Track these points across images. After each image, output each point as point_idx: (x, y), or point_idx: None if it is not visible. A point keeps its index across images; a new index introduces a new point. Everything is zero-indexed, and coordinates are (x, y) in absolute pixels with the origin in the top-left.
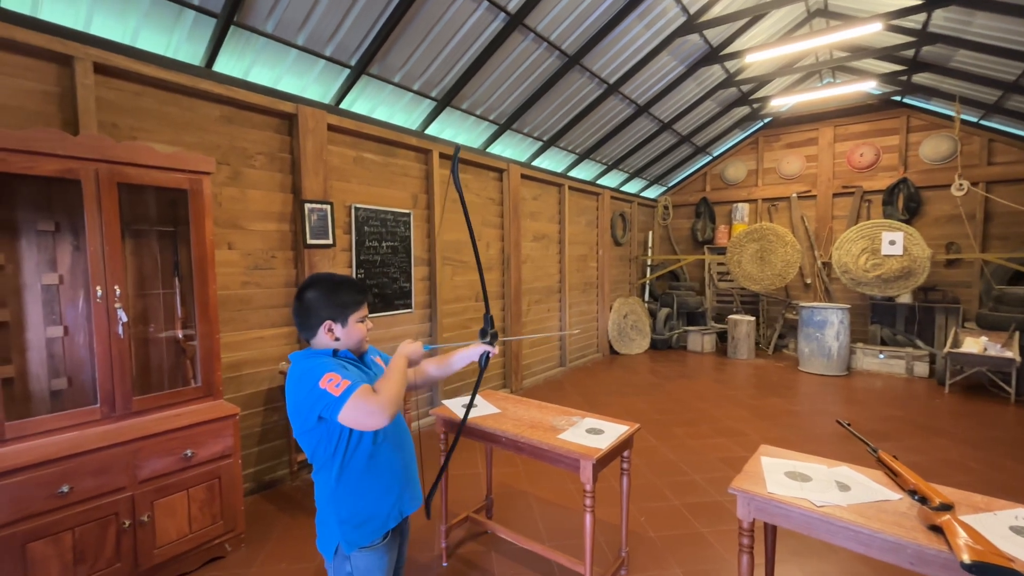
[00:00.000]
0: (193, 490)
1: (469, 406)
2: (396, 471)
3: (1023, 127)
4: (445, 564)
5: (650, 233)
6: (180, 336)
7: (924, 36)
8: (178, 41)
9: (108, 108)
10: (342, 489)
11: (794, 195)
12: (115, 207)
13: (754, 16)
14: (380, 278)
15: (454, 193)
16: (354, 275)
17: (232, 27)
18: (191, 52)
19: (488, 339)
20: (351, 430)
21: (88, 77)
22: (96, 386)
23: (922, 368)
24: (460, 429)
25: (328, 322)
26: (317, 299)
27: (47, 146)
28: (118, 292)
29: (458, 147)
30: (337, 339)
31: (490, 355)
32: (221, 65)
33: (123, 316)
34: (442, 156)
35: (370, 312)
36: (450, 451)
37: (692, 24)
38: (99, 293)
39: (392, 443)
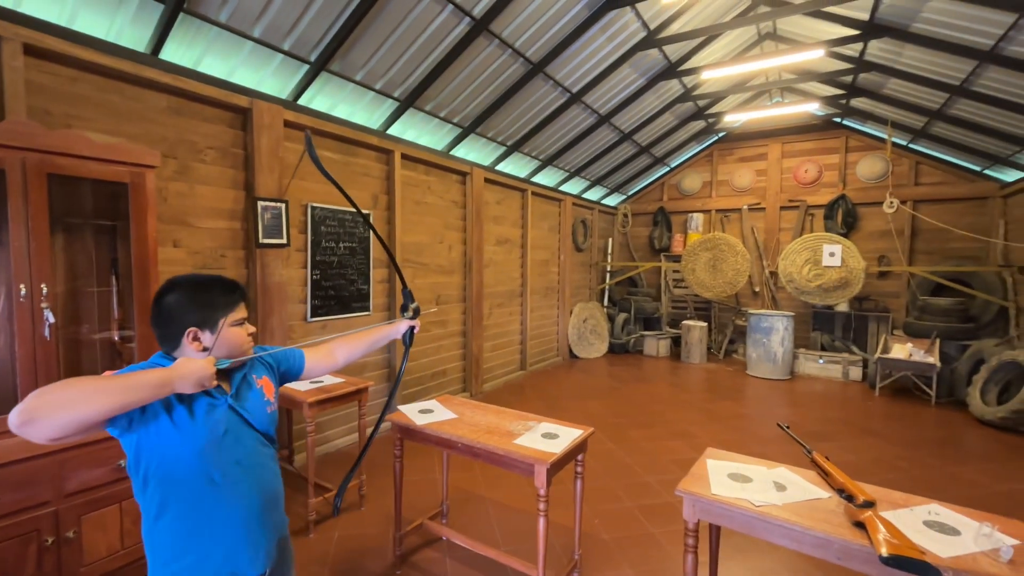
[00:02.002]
0: (126, 503)
1: (393, 395)
2: (231, 521)
3: (946, 151)
4: (399, 572)
5: (610, 240)
6: (117, 338)
7: (861, 64)
8: (121, 25)
9: (40, 93)
10: (159, 530)
11: (745, 207)
12: (44, 200)
13: (710, 35)
14: (337, 280)
15: (416, 195)
16: (309, 276)
17: (182, 14)
18: (135, 38)
19: (411, 314)
20: (154, 456)
21: (17, 59)
22: (17, 392)
23: (856, 372)
24: (375, 432)
25: (192, 329)
26: (178, 303)
27: None
28: (45, 291)
29: (307, 132)
30: (205, 349)
31: (415, 330)
32: (169, 53)
33: (50, 317)
34: (404, 157)
35: (326, 315)
36: (364, 449)
37: (652, 39)
38: (23, 292)
39: (232, 483)
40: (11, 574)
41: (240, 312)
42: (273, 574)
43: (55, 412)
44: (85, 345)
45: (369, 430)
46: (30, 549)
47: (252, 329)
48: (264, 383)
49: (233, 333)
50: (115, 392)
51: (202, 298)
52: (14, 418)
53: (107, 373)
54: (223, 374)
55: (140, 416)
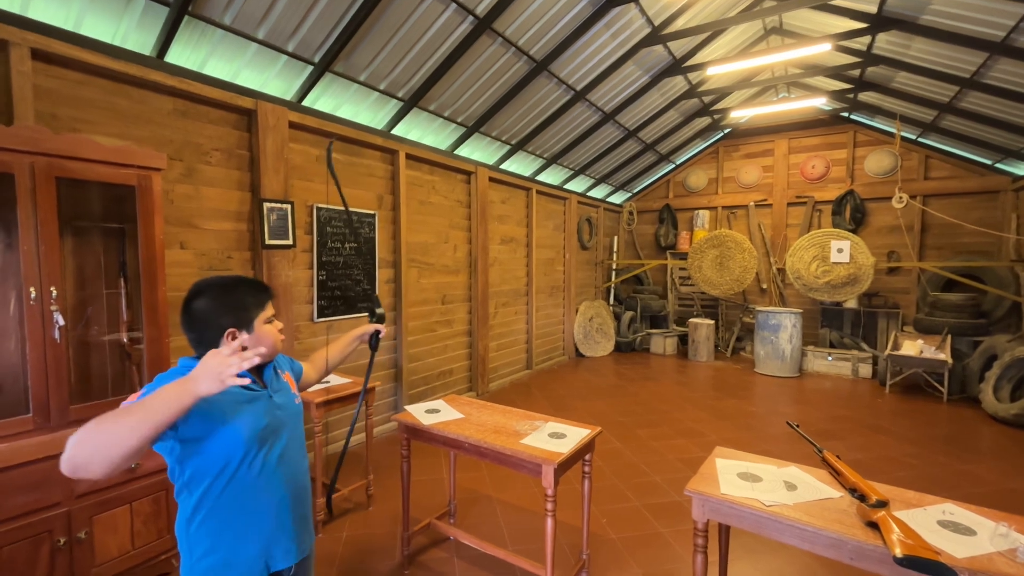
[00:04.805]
0: (137, 503)
1: (360, 403)
2: (266, 514)
3: (956, 145)
4: (407, 572)
5: (615, 238)
6: (125, 340)
7: (868, 57)
8: (127, 29)
9: (47, 97)
10: (195, 526)
11: (752, 203)
12: (52, 203)
13: (715, 31)
14: (343, 280)
15: (421, 195)
16: (315, 277)
17: (187, 17)
18: (141, 41)
19: (375, 319)
20: (197, 455)
21: (25, 64)
22: (28, 394)
23: (866, 369)
24: (347, 440)
25: (232, 330)
26: (210, 306)
27: None
28: (54, 293)
29: (331, 140)
30: (244, 348)
31: (380, 335)
32: (174, 56)
33: (60, 319)
34: (409, 157)
35: (332, 315)
36: (346, 443)
37: (656, 35)
38: (33, 295)
39: (267, 475)
40: (23, 575)
41: (270, 309)
42: (301, 567)
43: (94, 459)
44: (95, 347)
45: (376, 429)
46: (42, 550)
47: (280, 325)
48: (288, 378)
49: (266, 330)
50: (140, 425)
51: (233, 299)
52: (64, 468)
53: (131, 396)
54: (254, 370)
55: (180, 422)
